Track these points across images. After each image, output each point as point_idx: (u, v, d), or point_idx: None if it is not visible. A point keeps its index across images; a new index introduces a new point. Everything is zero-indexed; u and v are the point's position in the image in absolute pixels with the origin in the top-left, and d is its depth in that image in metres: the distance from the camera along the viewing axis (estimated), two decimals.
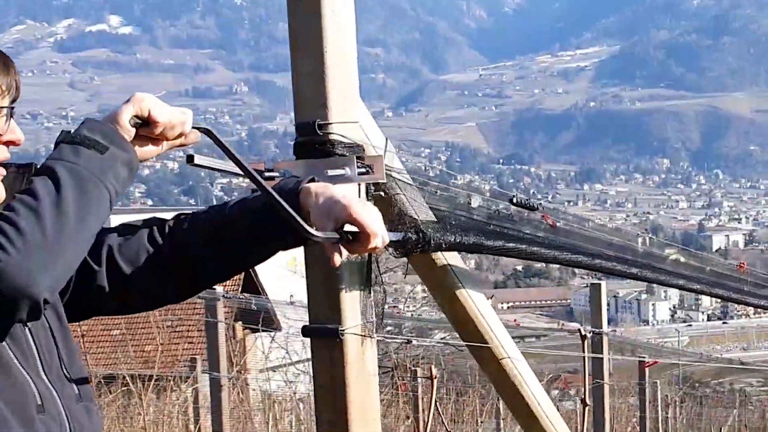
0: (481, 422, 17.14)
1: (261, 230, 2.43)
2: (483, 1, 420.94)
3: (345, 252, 2.32)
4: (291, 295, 20.42)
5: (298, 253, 2.76)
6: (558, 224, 3.36)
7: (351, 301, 2.69)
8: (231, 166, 2.60)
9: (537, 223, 3.36)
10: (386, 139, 2.87)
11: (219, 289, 10.57)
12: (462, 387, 17.72)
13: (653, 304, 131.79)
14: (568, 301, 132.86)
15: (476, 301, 3.06)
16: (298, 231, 2.21)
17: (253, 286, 30.03)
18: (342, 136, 2.69)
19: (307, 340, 2.76)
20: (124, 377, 13.25)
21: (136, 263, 2.43)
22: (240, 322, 22.80)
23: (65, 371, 2.24)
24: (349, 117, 2.71)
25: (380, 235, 2.31)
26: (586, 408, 3.61)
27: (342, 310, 2.68)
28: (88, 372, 2.42)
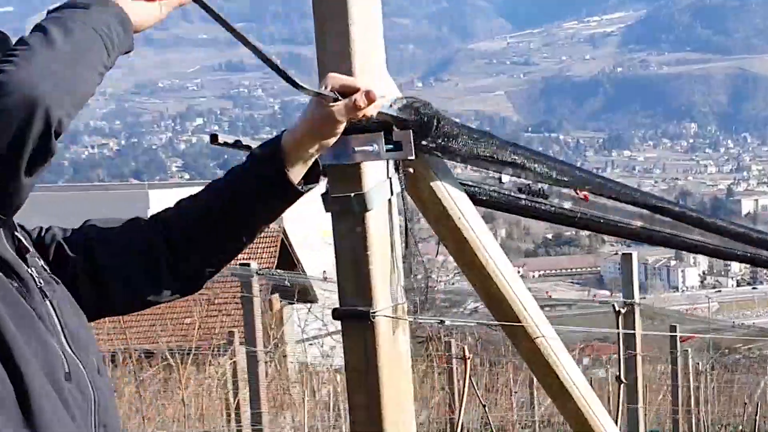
0: (515, 392, 17.09)
1: (243, 192, 2.40)
2: None
3: (344, 112, 2.32)
4: (324, 271, 20.36)
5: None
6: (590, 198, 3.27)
7: (382, 282, 2.61)
8: (255, 144, 2.54)
9: (571, 198, 3.27)
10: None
11: (254, 265, 10.54)
12: (495, 357, 17.66)
13: (683, 271, 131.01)
14: (599, 268, 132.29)
15: (509, 280, 2.97)
16: (288, 81, 2.22)
17: (289, 260, 30.04)
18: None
19: None
20: (163, 352, 13.30)
21: (118, 254, 2.40)
22: (277, 294, 22.77)
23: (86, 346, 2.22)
24: (375, 84, 2.61)
25: (372, 89, 2.33)
26: (621, 386, 3.51)
27: (373, 292, 2.59)
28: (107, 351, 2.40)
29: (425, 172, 2.84)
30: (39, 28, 2.02)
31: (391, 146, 2.59)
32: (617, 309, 3.53)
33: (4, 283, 2.10)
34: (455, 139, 2.76)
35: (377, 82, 2.60)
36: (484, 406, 6.33)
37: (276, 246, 31.07)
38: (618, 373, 3.56)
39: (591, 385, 4.02)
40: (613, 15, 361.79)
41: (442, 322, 3.75)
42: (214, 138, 2.38)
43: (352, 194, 2.57)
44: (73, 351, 2.16)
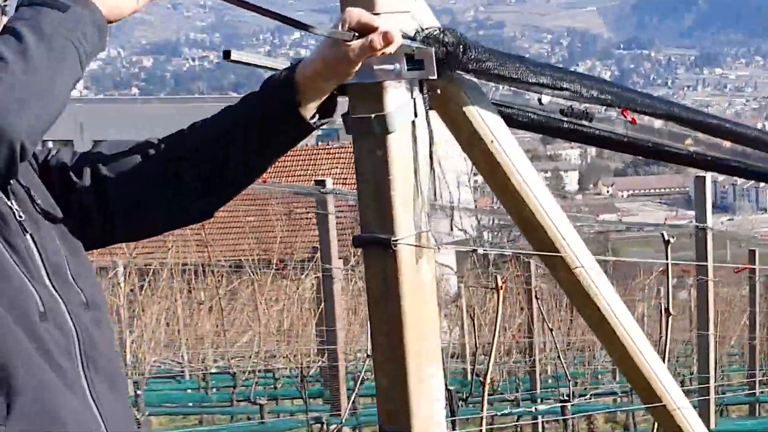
0: None
1: (254, 121, 2.30)
2: None
3: (358, 52, 2.21)
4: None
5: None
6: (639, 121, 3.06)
7: (404, 208, 2.45)
8: (271, 62, 2.40)
9: (618, 120, 3.07)
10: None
11: (329, 182, 10.44)
12: None
13: None
14: (687, 189, 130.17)
15: (545, 206, 2.78)
16: (299, 27, 2.10)
17: None
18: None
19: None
20: (246, 266, 13.34)
21: (128, 179, 2.28)
22: None
23: (73, 279, 2.10)
24: (399, 6, 2.42)
25: (388, 28, 2.21)
26: (669, 318, 3.32)
27: (394, 219, 2.43)
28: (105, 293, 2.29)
29: (456, 92, 2.65)
30: (12, 32, 1.89)
31: (413, 65, 2.42)
32: (666, 238, 3.32)
33: None
34: (484, 64, 2.58)
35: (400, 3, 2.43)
36: (551, 330, 6.19)
37: None
38: (666, 305, 3.35)
39: (672, 307, 3.84)
40: None
41: (475, 251, 3.56)
42: (227, 54, 2.22)
43: (373, 115, 2.40)
44: (55, 287, 2.05)
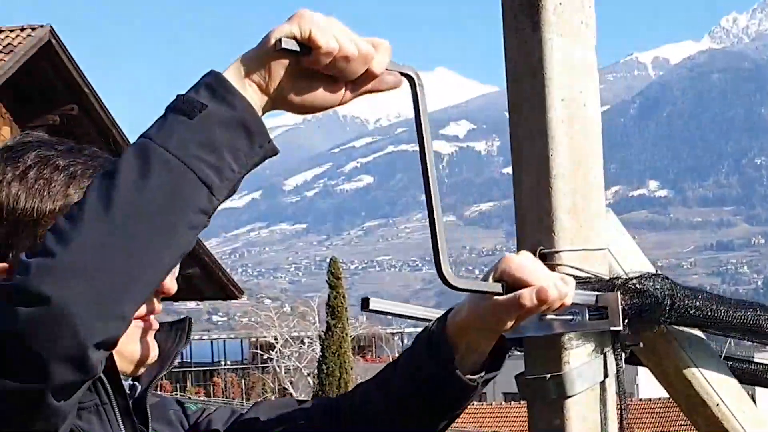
0: None
1: (410, 384, 1.77)
2: None
3: (506, 309, 1.65)
4: None
5: None
6: None
7: None
8: (413, 310, 1.92)
9: None
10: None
11: None
12: None
13: None
14: None
15: None
16: (442, 279, 1.56)
17: None
18: (576, 268, 1.89)
19: None
20: None
21: None
22: None
23: None
24: (587, 242, 1.93)
25: (549, 282, 1.63)
26: None
27: None
28: None
29: (667, 346, 2.06)
30: (115, 163, 1.37)
31: (598, 313, 1.86)
32: None
33: None
34: (702, 313, 1.97)
35: (592, 229, 1.91)
36: None
37: None
38: None
39: None
40: None
41: None
42: (365, 303, 1.78)
43: (548, 375, 1.86)
44: None
